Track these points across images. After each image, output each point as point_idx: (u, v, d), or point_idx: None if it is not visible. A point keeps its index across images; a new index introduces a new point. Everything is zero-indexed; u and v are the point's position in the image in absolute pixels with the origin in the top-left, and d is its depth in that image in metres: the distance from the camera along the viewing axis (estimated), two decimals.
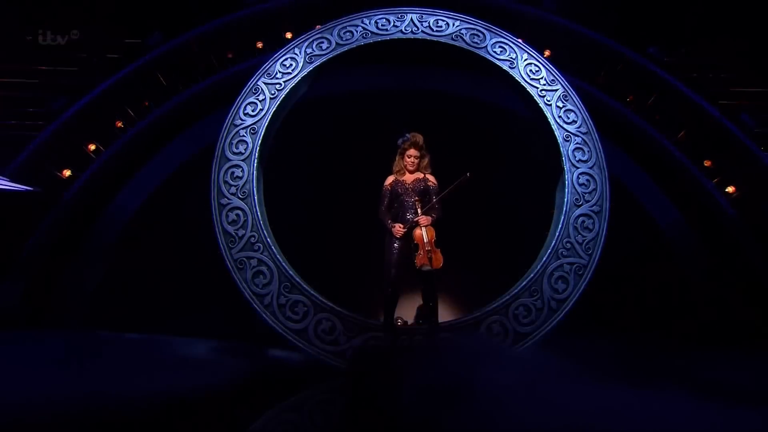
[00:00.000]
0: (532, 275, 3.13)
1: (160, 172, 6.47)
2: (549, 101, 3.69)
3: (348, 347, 3.20)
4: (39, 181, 6.13)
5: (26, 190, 5.82)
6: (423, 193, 2.96)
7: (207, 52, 6.72)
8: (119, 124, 6.76)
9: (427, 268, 2.74)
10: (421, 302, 3.17)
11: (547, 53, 4.72)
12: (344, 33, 3.96)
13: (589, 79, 5.95)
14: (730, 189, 5.78)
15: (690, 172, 5.79)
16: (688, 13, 6.45)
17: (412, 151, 2.98)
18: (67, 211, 6.04)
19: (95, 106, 6.54)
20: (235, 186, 3.48)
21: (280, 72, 3.84)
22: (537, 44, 4.16)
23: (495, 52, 3.88)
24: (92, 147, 6.62)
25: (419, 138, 3.02)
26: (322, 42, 3.95)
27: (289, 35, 5.59)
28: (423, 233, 2.79)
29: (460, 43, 3.89)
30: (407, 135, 3.02)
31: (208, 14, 6.97)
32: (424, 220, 2.82)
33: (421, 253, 2.76)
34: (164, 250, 5.77)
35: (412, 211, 2.91)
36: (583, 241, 3.23)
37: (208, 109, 6.80)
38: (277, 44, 5.76)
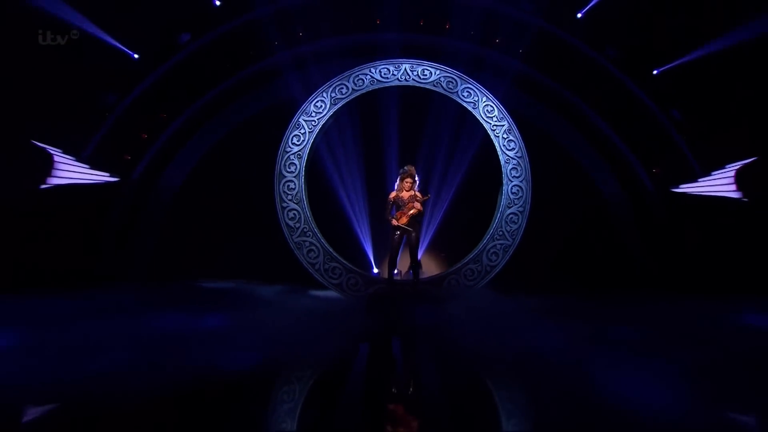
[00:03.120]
0: (476, 251, 5.19)
1: (196, 152, 8.17)
2: (497, 134, 5.49)
3: (366, 292, 5.30)
4: (108, 165, 7.80)
5: (108, 180, 7.55)
6: (412, 209, 4.88)
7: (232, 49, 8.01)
8: (163, 115, 8.30)
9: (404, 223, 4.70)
10: (409, 262, 5.20)
11: None
12: (357, 80, 5.59)
13: (553, 74, 7.59)
14: (654, 170, 7.67)
15: (627, 154, 7.67)
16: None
17: (408, 180, 4.84)
18: (133, 188, 7.78)
19: (144, 99, 7.99)
20: (290, 194, 5.36)
21: (313, 111, 5.54)
22: None
23: (464, 95, 5.57)
24: (144, 136, 8.21)
25: (413, 170, 4.87)
26: (342, 87, 5.59)
27: None
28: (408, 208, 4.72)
29: (439, 89, 5.57)
30: (405, 168, 4.87)
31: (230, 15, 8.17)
32: (413, 210, 4.75)
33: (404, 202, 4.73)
34: (206, 216, 7.61)
35: (405, 215, 4.84)
36: (510, 230, 5.25)
37: (233, 98, 8.36)
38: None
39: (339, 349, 3.01)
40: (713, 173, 7.59)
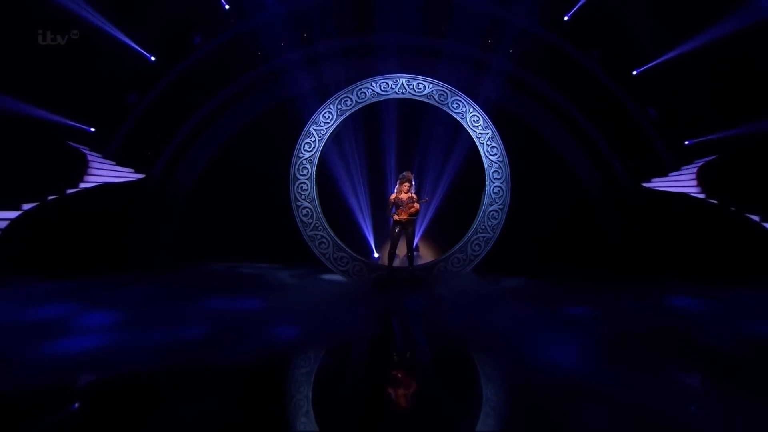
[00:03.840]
0: (462, 242, 6.17)
1: (210, 147, 8.92)
2: (482, 141, 6.37)
3: (369, 277, 6.27)
4: (131, 160, 8.49)
5: (136, 177, 8.29)
6: (410, 209, 5.81)
7: (241, 51, 8.64)
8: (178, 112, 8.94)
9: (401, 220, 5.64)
10: (406, 251, 6.15)
11: None
12: (360, 93, 6.38)
13: (541, 74, 8.39)
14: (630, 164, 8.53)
15: (604, 147, 8.54)
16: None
17: (406, 184, 5.73)
18: (154, 182, 8.53)
19: (163, 98, 8.64)
20: (304, 194, 6.23)
21: (322, 121, 6.35)
22: None
23: (453, 107, 6.41)
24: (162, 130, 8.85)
25: (410, 176, 5.76)
26: (347, 100, 6.38)
27: None
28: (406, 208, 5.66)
29: (431, 101, 6.40)
30: (404, 174, 5.76)
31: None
32: (413, 209, 5.68)
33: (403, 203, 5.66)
34: (220, 206, 8.43)
35: (404, 214, 5.76)
36: (491, 224, 6.22)
37: (241, 98, 9.06)
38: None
39: (358, 321, 4.01)
40: (683, 168, 8.57)
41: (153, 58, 8.67)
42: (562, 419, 2.06)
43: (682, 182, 8.34)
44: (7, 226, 5.68)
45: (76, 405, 2.25)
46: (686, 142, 8.55)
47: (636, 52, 8.51)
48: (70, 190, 7.14)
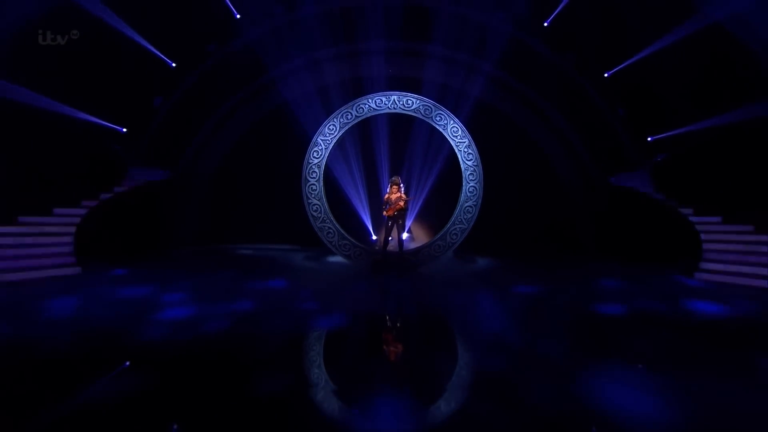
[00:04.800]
0: (442, 232, 7.64)
1: (227, 142, 10.22)
2: (460, 149, 7.70)
3: (367, 260, 7.79)
4: (159, 156, 9.76)
5: (166, 175, 9.60)
6: (398, 205, 7.24)
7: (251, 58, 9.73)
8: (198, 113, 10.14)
9: (391, 214, 7.12)
10: (393, 238, 7.61)
11: None
12: (359, 108, 7.64)
13: (522, 76, 9.54)
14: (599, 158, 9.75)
15: (578, 144, 9.82)
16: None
17: (395, 186, 7.12)
18: (180, 174, 9.87)
19: (184, 100, 9.83)
20: (313, 194, 7.63)
21: (327, 132, 7.65)
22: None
23: (436, 119, 7.69)
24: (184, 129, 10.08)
25: (398, 180, 7.14)
26: (348, 114, 7.65)
27: None
28: (395, 205, 7.11)
29: (418, 114, 7.67)
30: (394, 178, 7.15)
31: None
32: (400, 204, 7.12)
33: (392, 203, 7.13)
34: (238, 195, 9.82)
35: (393, 210, 7.20)
36: (467, 218, 7.67)
37: (251, 99, 10.24)
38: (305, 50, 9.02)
39: (361, 296, 5.56)
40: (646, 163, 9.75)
41: (174, 64, 9.76)
42: (476, 357, 3.63)
43: (640, 177, 9.58)
44: (82, 221, 7.08)
45: (187, 354, 3.77)
46: (648, 139, 9.79)
47: (607, 56, 9.61)
48: (117, 189, 8.50)
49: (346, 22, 9.06)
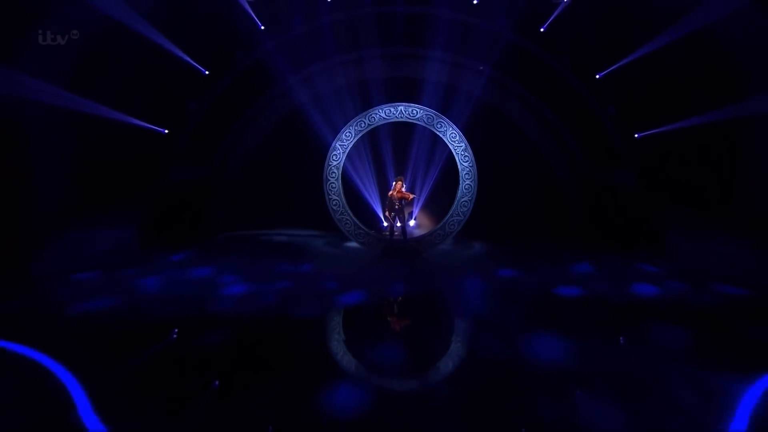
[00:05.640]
0: (441, 223, 9.04)
1: (253, 140, 11.61)
2: (458, 152, 8.97)
3: (378, 246, 9.24)
4: (196, 154, 11.24)
5: (202, 171, 11.09)
6: (402, 200, 8.60)
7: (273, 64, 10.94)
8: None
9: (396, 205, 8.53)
10: (402, 227, 9.02)
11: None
12: (370, 118, 8.92)
13: (520, 77, 10.58)
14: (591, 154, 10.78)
15: (571, 141, 10.91)
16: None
17: (398, 184, 8.48)
18: (214, 170, 11.35)
19: (216, 105, 11.18)
20: (333, 191, 9.05)
21: (345, 138, 8.99)
22: None
23: (437, 126, 8.94)
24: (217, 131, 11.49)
25: (401, 179, 8.52)
26: (361, 123, 8.95)
27: None
28: (399, 196, 8.50)
29: (422, 122, 8.93)
30: (397, 177, 8.51)
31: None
32: (402, 196, 8.50)
33: (395, 199, 8.53)
34: (263, 188, 11.27)
35: (398, 203, 8.57)
36: (463, 211, 9.02)
37: (273, 102, 11.50)
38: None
39: (374, 276, 7.08)
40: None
41: (206, 72, 11.06)
42: (455, 323, 5.11)
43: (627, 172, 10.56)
44: (142, 213, 8.65)
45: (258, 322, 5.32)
46: (636, 135, 10.77)
47: (598, 60, 10.51)
48: (165, 184, 10.03)
49: (355, 31, 10.16)
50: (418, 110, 8.94)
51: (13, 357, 3.98)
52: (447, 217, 9.07)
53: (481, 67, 10.00)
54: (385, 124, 9.05)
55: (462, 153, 9.00)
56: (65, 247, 8.08)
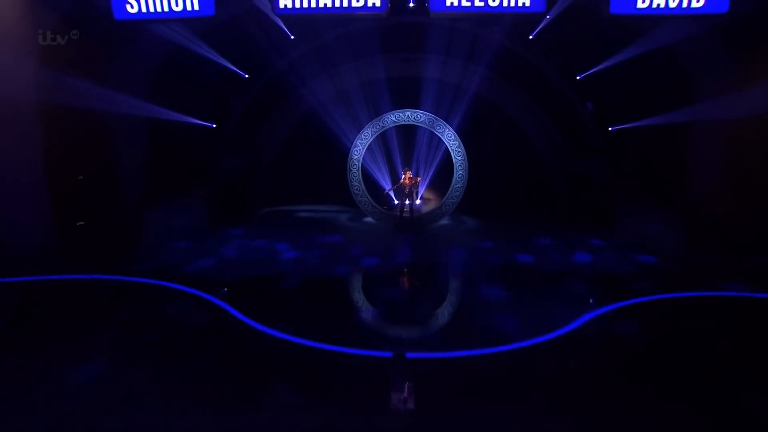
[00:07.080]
0: (439, 204, 11.51)
1: (284, 132, 14.00)
2: (453, 148, 11.30)
3: (391, 221, 11.79)
4: (237, 145, 13.70)
5: (244, 158, 13.60)
6: (412, 186, 11.07)
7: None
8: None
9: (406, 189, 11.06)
10: (410, 206, 11.51)
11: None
12: (383, 121, 11.25)
13: (512, 78, 12.59)
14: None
15: (556, 133, 13.05)
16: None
17: (408, 173, 10.93)
18: (253, 156, 13.85)
19: (253, 104, 13.47)
20: (355, 179, 11.57)
21: (365, 136, 11.36)
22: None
23: (437, 128, 11.22)
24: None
25: (409, 170, 10.92)
26: (376, 125, 11.30)
27: None
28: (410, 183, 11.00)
29: (425, 125, 11.22)
30: (406, 168, 10.95)
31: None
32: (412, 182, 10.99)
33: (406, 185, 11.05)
34: (295, 169, 13.78)
35: (408, 189, 11.05)
36: (456, 195, 11.46)
37: (300, 101, 13.72)
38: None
39: (388, 246, 9.74)
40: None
41: (246, 75, 13.27)
42: (443, 281, 7.80)
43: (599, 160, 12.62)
44: (208, 195, 11.29)
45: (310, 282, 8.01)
46: (610, 129, 12.71)
47: (579, 63, 12.29)
48: (218, 170, 12.57)
49: (370, 38, 12.15)
50: (422, 115, 11.23)
51: (178, 293, 6.77)
52: (444, 199, 11.56)
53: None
54: (394, 126, 11.39)
55: (456, 150, 11.34)
56: (153, 223, 10.83)
